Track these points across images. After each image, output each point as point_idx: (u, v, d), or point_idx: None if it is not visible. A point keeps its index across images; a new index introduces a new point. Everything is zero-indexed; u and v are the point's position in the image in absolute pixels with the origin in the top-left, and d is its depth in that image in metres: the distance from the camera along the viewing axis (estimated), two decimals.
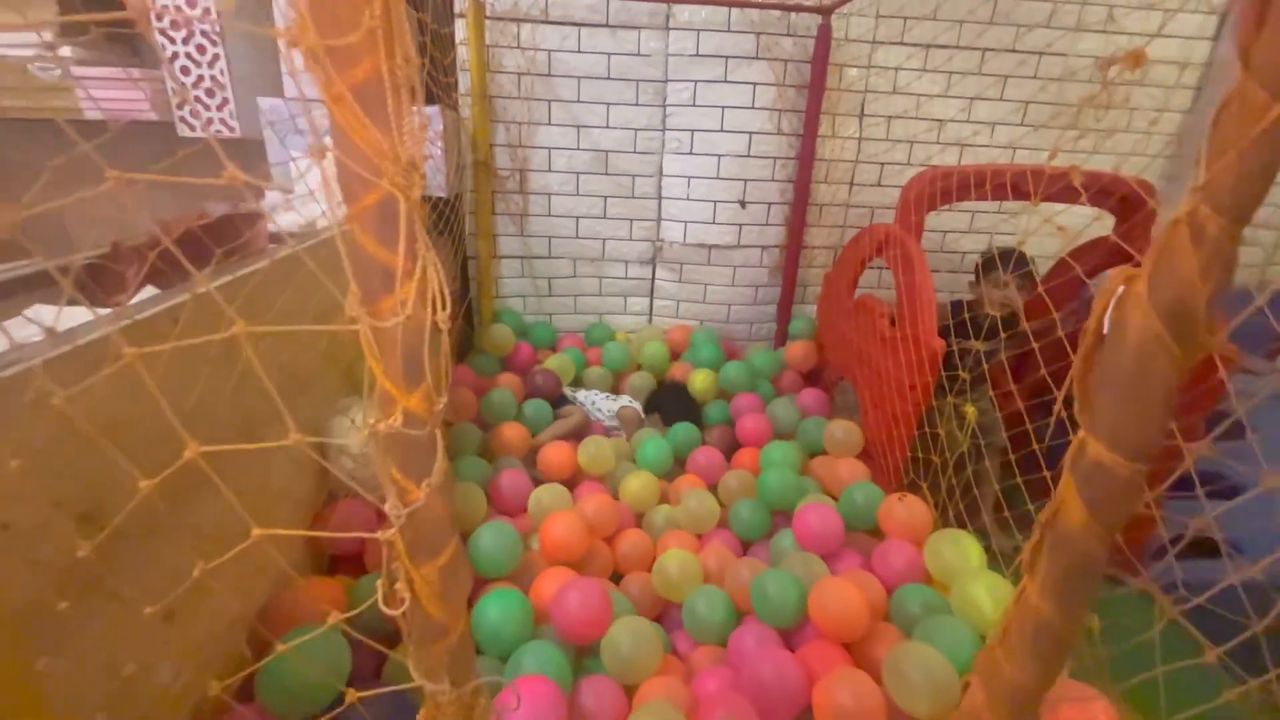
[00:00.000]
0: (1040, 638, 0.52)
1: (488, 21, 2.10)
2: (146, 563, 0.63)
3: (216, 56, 2.09)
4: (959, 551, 1.28)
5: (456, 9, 2.07)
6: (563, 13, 2.15)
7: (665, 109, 2.28)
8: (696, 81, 2.20)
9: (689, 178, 2.32)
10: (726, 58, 2.17)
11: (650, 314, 2.60)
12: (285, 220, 1.38)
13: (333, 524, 1.25)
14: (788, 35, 2.16)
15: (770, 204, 2.36)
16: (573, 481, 1.74)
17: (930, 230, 2.39)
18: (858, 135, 2.32)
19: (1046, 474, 0.85)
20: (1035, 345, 1.06)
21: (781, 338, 2.50)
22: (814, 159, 2.25)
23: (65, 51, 1.94)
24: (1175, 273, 0.40)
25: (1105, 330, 0.47)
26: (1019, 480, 1.10)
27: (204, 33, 1.99)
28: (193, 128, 2.18)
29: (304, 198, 1.26)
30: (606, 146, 2.31)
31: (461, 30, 2.08)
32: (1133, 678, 0.67)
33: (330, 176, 0.35)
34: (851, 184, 2.40)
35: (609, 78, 2.22)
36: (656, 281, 2.54)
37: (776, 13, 2.12)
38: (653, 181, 2.38)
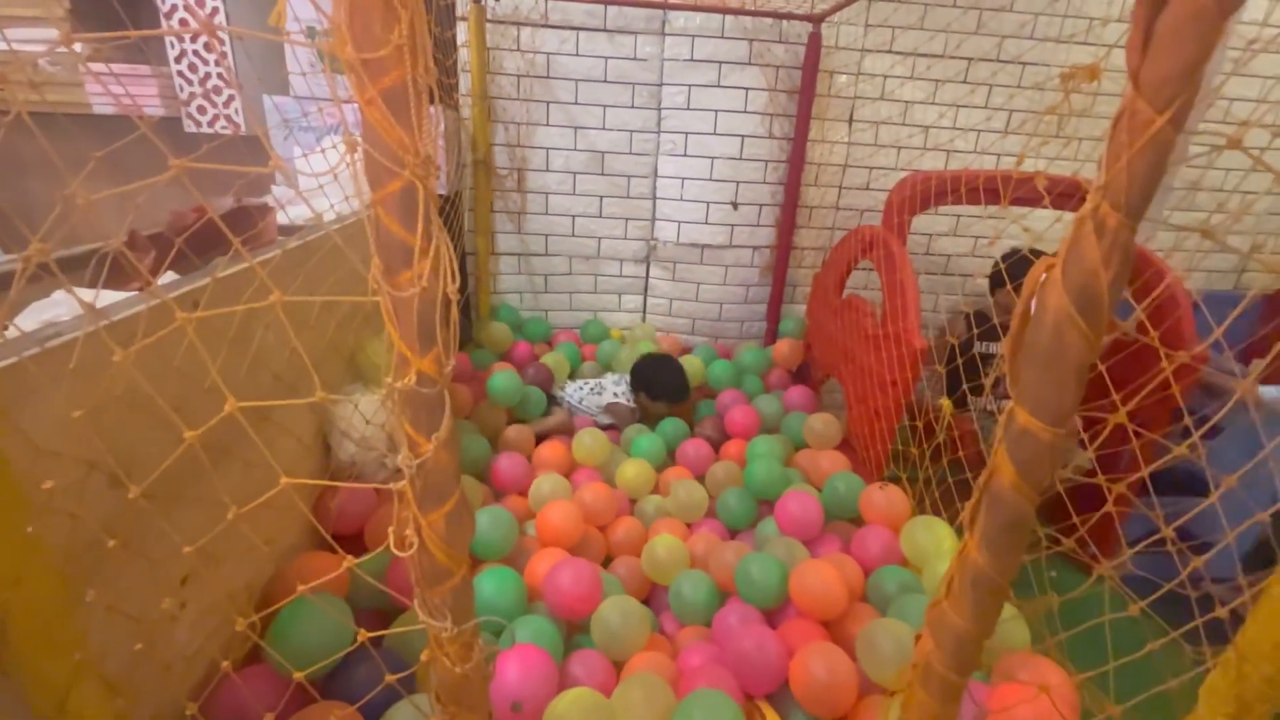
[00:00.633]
0: (978, 587, 0.59)
1: (488, 25, 2.16)
2: (171, 527, 0.69)
3: (224, 55, 2.15)
4: (932, 536, 1.34)
5: (458, 12, 2.13)
6: (562, 17, 2.21)
7: (660, 112, 2.34)
8: (691, 86, 2.27)
9: (683, 179, 2.39)
10: (720, 63, 2.24)
11: (644, 312, 2.66)
12: (294, 213, 1.44)
13: (335, 505, 1.31)
14: (779, 42, 2.23)
15: (761, 205, 2.43)
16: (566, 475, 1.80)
17: (915, 233, 2.46)
18: (846, 140, 2.39)
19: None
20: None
21: (771, 336, 2.57)
22: (804, 162, 2.32)
23: (76, 47, 1.99)
24: (1082, 261, 0.47)
25: (1031, 312, 0.53)
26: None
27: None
28: (199, 124, 2.23)
29: (313, 191, 1.32)
30: (603, 147, 2.38)
31: (463, 33, 2.14)
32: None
33: (359, 170, 0.42)
34: (840, 187, 2.47)
35: (606, 81, 2.29)
36: (650, 280, 2.60)
37: (769, 20, 2.19)
38: (647, 182, 2.45)
